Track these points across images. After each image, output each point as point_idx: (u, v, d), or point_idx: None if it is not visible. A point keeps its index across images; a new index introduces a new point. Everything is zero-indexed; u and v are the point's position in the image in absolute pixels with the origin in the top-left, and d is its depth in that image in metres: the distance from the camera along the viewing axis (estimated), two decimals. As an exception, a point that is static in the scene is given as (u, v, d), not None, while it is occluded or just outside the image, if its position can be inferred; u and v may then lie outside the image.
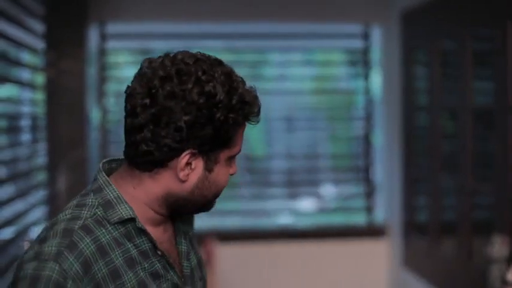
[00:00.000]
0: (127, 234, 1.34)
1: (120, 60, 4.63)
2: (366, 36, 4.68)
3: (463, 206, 3.42)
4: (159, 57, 1.34)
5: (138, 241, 1.35)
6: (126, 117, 1.33)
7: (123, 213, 1.33)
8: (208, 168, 1.34)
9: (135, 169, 1.35)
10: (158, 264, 1.37)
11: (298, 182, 4.73)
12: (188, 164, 1.32)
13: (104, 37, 4.51)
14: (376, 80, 4.71)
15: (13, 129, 3.30)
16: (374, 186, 4.75)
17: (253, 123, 1.39)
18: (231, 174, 1.40)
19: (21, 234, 3.07)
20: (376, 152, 4.77)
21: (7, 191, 3.08)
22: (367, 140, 4.75)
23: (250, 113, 1.36)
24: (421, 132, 4.02)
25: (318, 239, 4.59)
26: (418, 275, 4.03)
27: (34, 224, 3.36)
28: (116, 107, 4.61)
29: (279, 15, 4.51)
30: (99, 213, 1.33)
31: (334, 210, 4.81)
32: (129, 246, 1.34)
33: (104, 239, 1.31)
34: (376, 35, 4.66)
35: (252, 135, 4.69)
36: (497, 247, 2.89)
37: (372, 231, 4.64)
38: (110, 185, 1.35)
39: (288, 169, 4.73)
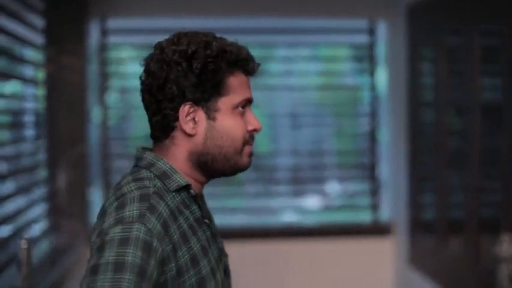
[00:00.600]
0: (183, 202, 1.44)
1: (122, 55, 4.58)
2: (371, 32, 4.61)
3: (470, 204, 3.35)
4: None
5: (192, 208, 1.46)
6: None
7: (180, 181, 1.43)
8: (210, 117, 1.43)
9: (160, 143, 1.47)
10: (208, 232, 1.48)
11: (304, 179, 4.66)
12: (191, 119, 1.43)
13: (105, 32, 4.45)
14: (382, 76, 4.64)
15: (15, 125, 3.25)
16: (380, 184, 4.68)
17: (249, 73, 1.48)
18: (254, 130, 1.47)
19: (20, 230, 3.03)
20: (382, 149, 4.70)
21: (8, 187, 3.03)
22: (372, 137, 4.68)
23: (235, 60, 1.45)
24: (427, 129, 3.95)
25: (323, 237, 4.53)
26: (424, 274, 3.96)
27: (34, 221, 3.32)
28: (118, 103, 4.56)
29: (284, 10, 4.45)
30: (158, 183, 1.42)
31: (339, 208, 4.74)
32: (187, 213, 1.44)
33: (171, 205, 1.40)
34: (382, 31, 4.58)
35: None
36: (505, 246, 2.81)
37: (378, 229, 4.57)
38: (161, 158, 1.45)
39: (293, 166, 4.67)
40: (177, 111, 1.42)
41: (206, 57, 1.42)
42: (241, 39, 4.56)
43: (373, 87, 4.64)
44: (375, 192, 4.67)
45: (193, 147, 1.44)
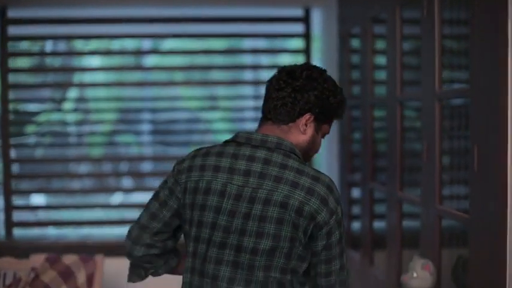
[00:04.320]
0: None
1: (22, 47, 4.26)
2: (306, 21, 4.23)
3: (392, 218, 2.98)
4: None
5: None
6: (271, 92, 2.07)
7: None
8: (316, 131, 2.06)
9: (280, 125, 2.05)
10: None
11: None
12: (308, 124, 2.04)
13: (5, 23, 4.12)
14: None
15: None
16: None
17: (336, 118, 2.12)
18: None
19: None
20: (319, 155, 4.32)
21: None
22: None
23: (342, 111, 2.10)
24: (356, 131, 3.58)
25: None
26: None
27: None
28: (17, 98, 4.23)
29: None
30: None
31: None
32: None
33: None
34: (317, 19, 4.21)
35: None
36: (416, 274, 2.41)
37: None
38: (295, 150, 2.03)
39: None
40: (302, 114, 2.03)
41: (337, 100, 2.06)
42: (144, 29, 4.17)
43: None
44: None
45: (301, 141, 2.05)
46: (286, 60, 4.23)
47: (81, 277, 3.14)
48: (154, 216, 2.07)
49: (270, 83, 2.09)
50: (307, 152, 2.07)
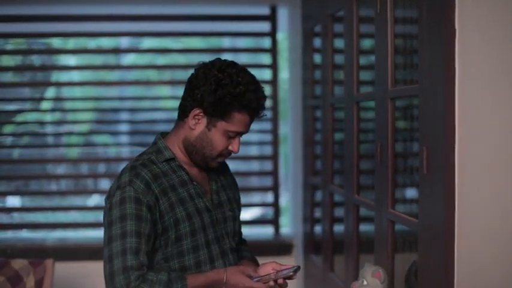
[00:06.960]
0: (171, 169, 2.17)
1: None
2: (272, 19, 4.20)
3: (349, 222, 2.96)
4: None
5: (178, 173, 2.18)
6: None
7: (167, 155, 2.18)
8: (208, 127, 2.12)
9: (177, 121, 2.19)
10: (193, 190, 2.18)
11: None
12: (197, 120, 2.12)
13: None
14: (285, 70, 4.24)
15: None
16: (280, 196, 4.28)
17: (258, 117, 2.14)
18: (232, 151, 2.16)
19: None
20: (287, 156, 4.30)
21: None
22: (274, 140, 4.26)
23: (247, 106, 2.08)
24: (320, 131, 3.55)
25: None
26: (316, 301, 3.57)
27: None
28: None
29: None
30: (153, 157, 2.17)
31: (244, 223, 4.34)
32: (173, 176, 2.17)
33: (156, 171, 2.14)
34: (284, 18, 4.19)
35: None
36: (366, 282, 2.37)
37: (279, 247, 4.16)
38: (160, 139, 2.20)
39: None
40: (192, 107, 2.11)
41: (228, 92, 2.07)
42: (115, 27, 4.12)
43: (274, 82, 4.22)
44: (276, 205, 4.27)
45: (189, 136, 2.14)
46: (265, 59, 4.21)
47: (30, 282, 3.11)
48: None
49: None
50: (201, 150, 2.13)
